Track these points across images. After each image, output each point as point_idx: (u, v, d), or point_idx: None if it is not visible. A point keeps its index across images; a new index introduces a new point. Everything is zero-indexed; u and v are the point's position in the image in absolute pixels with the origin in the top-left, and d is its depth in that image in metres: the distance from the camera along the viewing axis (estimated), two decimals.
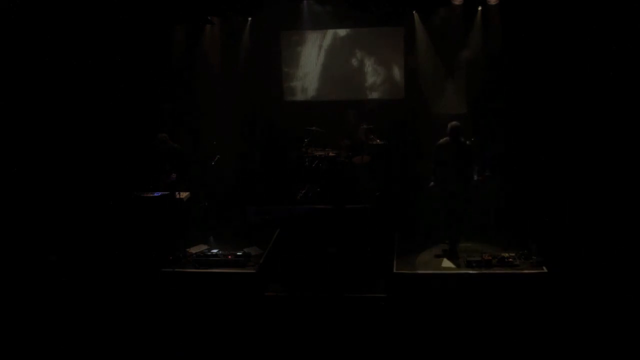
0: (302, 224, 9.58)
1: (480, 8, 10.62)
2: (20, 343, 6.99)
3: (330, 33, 11.80)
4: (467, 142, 8.67)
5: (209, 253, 8.45)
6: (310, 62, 11.96)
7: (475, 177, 9.19)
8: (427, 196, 8.83)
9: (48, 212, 8.30)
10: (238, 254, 8.34)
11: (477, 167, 9.38)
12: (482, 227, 9.07)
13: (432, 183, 8.61)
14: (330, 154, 10.53)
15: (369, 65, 11.82)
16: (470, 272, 7.84)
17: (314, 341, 7.22)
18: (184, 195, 9.08)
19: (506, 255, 8.03)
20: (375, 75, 11.84)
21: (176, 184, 9.05)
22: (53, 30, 8.39)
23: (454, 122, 8.39)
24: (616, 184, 8.55)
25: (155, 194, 8.87)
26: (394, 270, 7.99)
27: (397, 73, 11.73)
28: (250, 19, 11.46)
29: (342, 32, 11.80)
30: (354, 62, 11.86)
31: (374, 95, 11.86)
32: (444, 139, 8.44)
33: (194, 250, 8.64)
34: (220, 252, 8.44)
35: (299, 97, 12.07)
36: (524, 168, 9.85)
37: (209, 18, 11.02)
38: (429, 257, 8.40)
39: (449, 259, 8.26)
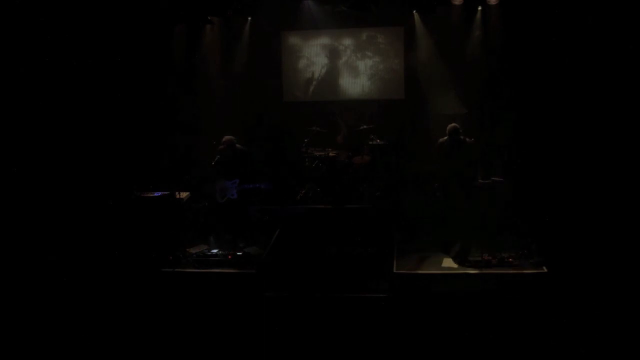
0: (302, 224, 9.58)
1: (480, 8, 10.61)
2: (20, 343, 6.99)
3: (330, 33, 11.80)
4: (467, 140, 8.60)
5: (209, 253, 8.46)
6: (310, 62, 11.95)
7: (480, 180, 8.96)
8: (432, 195, 8.83)
9: (48, 212, 8.29)
10: (238, 254, 8.34)
11: (482, 170, 9.30)
12: (483, 227, 9.07)
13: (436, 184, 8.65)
14: (330, 154, 10.52)
15: (369, 65, 11.80)
16: (470, 272, 7.85)
17: (314, 341, 7.22)
18: (184, 195, 9.07)
19: (506, 255, 8.03)
20: (375, 75, 11.82)
21: None
22: (53, 30, 8.38)
23: (452, 124, 8.45)
24: (616, 184, 8.55)
25: (155, 194, 8.87)
26: (394, 270, 8.00)
27: (397, 73, 11.71)
28: (250, 19, 11.44)
29: (342, 32, 11.79)
30: (354, 62, 11.85)
31: (374, 95, 11.85)
32: (444, 137, 8.44)
33: (194, 250, 8.64)
34: (220, 252, 8.44)
35: (299, 97, 12.05)
36: (524, 168, 9.84)
37: (209, 18, 11.01)
38: (429, 257, 8.39)
39: (455, 259, 8.24)
